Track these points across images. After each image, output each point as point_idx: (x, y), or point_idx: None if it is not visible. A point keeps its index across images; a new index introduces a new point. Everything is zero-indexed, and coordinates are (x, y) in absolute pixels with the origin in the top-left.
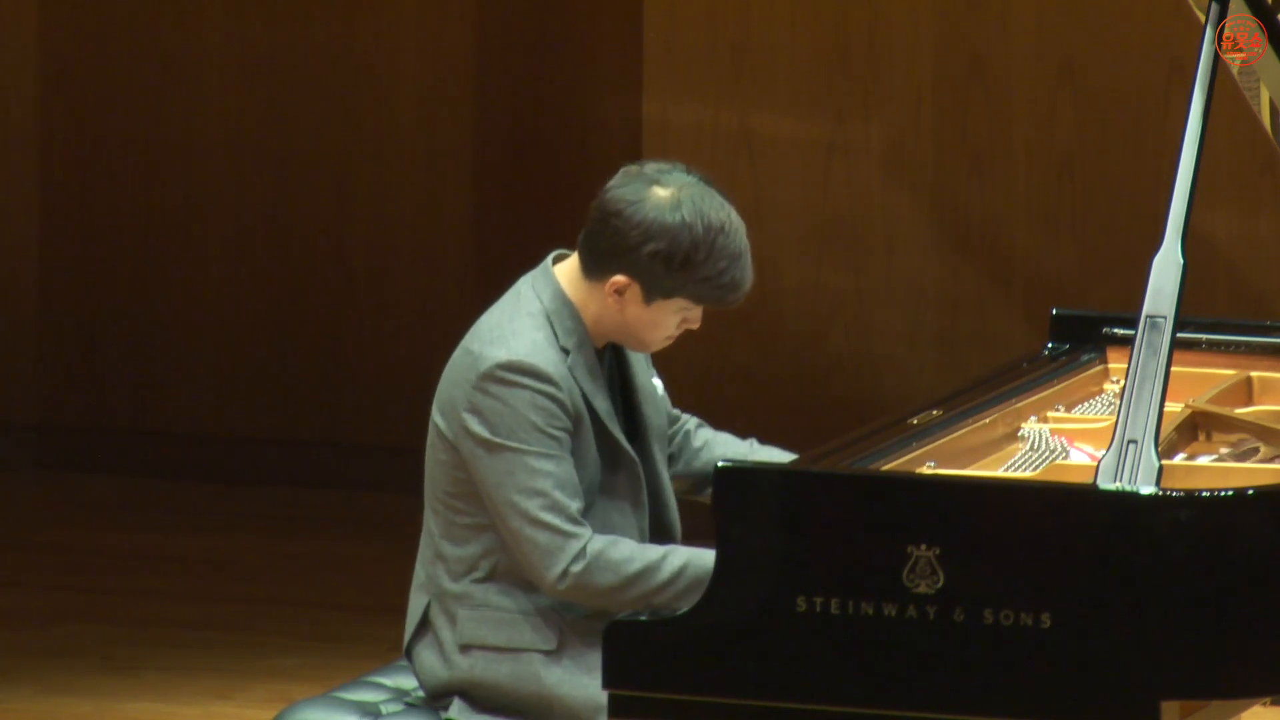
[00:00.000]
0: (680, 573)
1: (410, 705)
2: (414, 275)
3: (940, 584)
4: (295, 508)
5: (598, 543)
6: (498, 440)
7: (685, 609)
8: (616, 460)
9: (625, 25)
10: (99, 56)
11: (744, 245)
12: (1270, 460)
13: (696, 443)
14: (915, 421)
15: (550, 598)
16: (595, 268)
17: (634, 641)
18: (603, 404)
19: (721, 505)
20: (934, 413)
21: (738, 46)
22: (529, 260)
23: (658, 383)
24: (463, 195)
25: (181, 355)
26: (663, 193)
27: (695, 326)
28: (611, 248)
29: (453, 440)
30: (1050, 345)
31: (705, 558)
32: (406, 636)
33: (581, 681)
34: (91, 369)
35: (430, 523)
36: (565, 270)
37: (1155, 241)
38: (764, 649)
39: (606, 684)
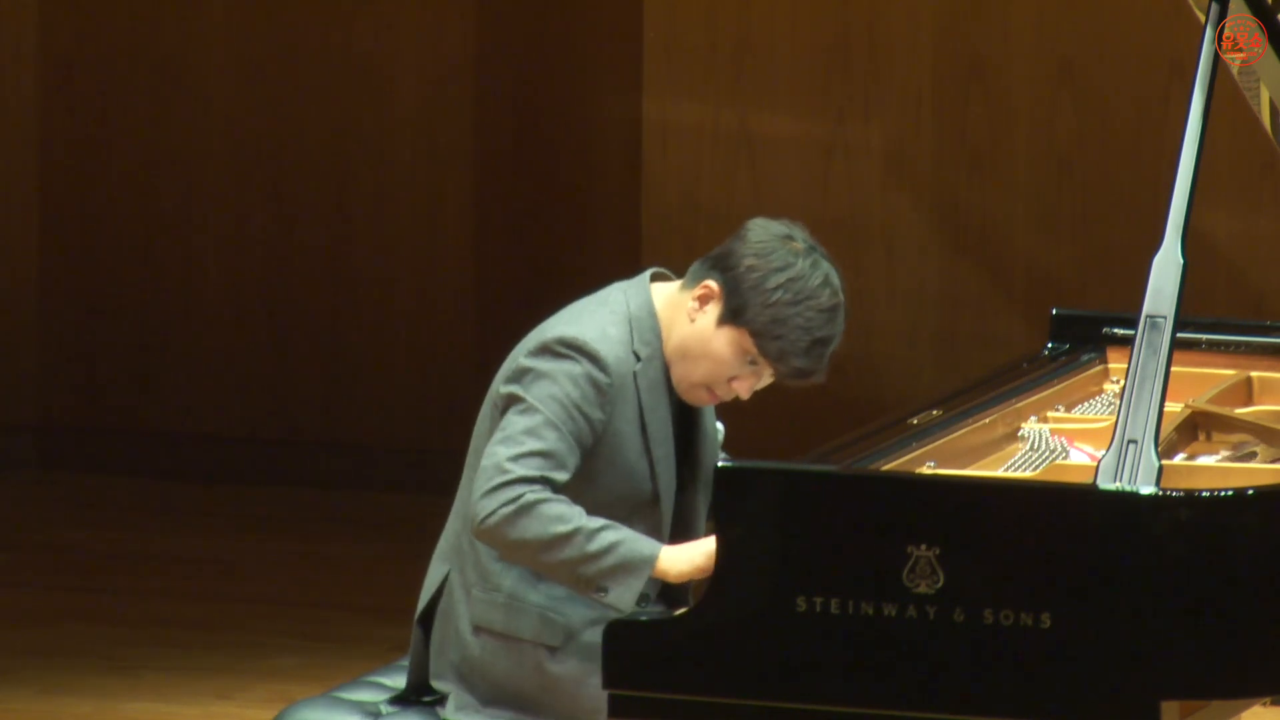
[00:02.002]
0: (611, 549)
1: (410, 705)
2: (414, 275)
3: (940, 584)
4: (295, 508)
5: (541, 494)
6: (525, 397)
7: (612, 592)
8: (650, 480)
9: (625, 25)
10: (99, 56)
11: (828, 330)
12: (1270, 461)
13: None
14: (915, 421)
15: (478, 538)
16: (698, 273)
17: (634, 641)
18: (657, 422)
19: (721, 505)
20: (934, 413)
21: (738, 46)
22: (529, 260)
23: (720, 426)
24: (463, 195)
25: (181, 356)
26: (796, 245)
27: (744, 394)
28: (722, 254)
29: (496, 404)
30: (1050, 345)
31: (642, 544)
32: (421, 605)
33: (582, 680)
34: (91, 369)
35: (463, 493)
36: (660, 287)
37: (1155, 241)
38: (764, 649)
39: (606, 684)
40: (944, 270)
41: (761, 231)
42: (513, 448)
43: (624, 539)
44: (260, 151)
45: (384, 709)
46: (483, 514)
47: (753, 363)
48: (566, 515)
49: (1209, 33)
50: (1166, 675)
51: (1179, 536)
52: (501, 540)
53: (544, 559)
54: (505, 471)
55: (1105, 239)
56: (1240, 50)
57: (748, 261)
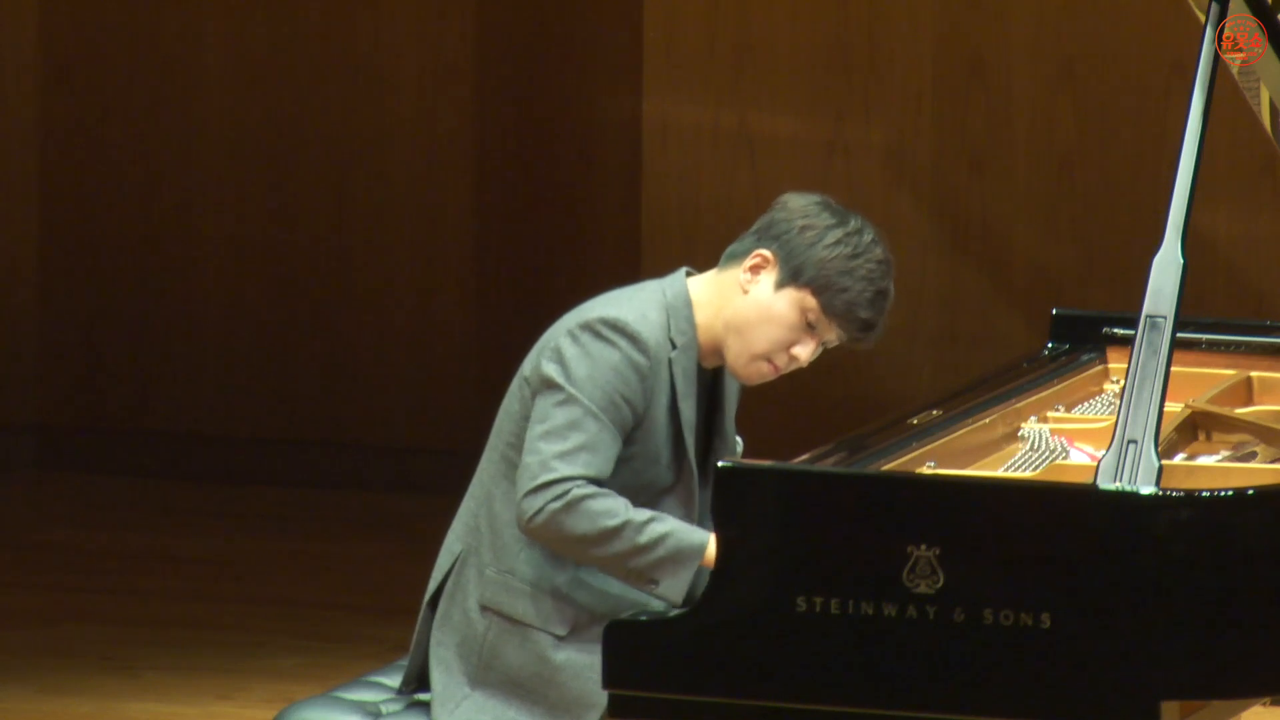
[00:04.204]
0: (660, 540)
1: (410, 704)
2: (414, 275)
3: (940, 584)
4: (295, 508)
5: (586, 489)
6: (565, 385)
7: (663, 583)
8: (679, 468)
9: (625, 25)
10: (99, 56)
11: (887, 282)
12: (1270, 461)
13: None
14: (915, 421)
15: (526, 535)
16: (740, 250)
17: (634, 641)
18: (689, 412)
19: (721, 505)
20: (934, 413)
21: (738, 46)
22: (529, 260)
23: (740, 440)
24: (463, 195)
25: (181, 355)
26: (842, 211)
27: (805, 359)
28: (764, 226)
29: (529, 381)
30: (1050, 345)
31: (692, 534)
32: (432, 586)
33: (582, 672)
34: (91, 369)
35: (484, 473)
36: (694, 281)
37: (1155, 241)
38: (764, 649)
39: (607, 684)
40: (944, 270)
41: (801, 199)
42: (556, 443)
43: (672, 530)
44: (260, 151)
45: (384, 709)
46: (529, 512)
47: (811, 326)
48: (613, 509)
49: (1209, 33)
50: (1166, 675)
51: (1179, 536)
52: (551, 537)
53: (594, 554)
54: (550, 469)
55: (1105, 239)
56: (1240, 50)
57: (799, 223)
